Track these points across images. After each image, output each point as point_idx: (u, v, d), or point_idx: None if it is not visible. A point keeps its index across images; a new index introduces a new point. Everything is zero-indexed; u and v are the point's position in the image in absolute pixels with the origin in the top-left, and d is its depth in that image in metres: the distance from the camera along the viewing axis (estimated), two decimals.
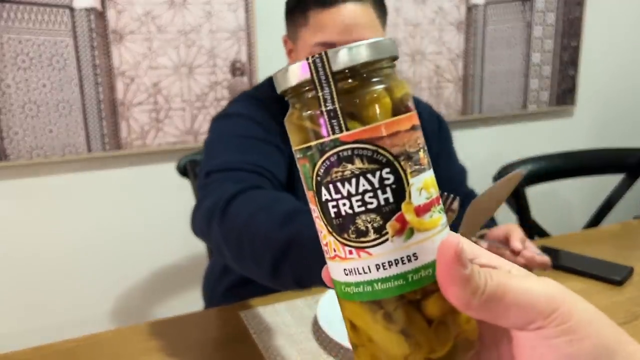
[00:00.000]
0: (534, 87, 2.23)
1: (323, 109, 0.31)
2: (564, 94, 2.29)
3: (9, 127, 1.53)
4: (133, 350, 0.88)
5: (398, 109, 0.31)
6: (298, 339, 0.89)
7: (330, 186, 0.31)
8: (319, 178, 0.32)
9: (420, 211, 0.31)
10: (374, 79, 0.31)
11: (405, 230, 0.31)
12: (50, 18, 1.52)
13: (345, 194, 0.31)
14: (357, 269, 0.32)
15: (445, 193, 0.68)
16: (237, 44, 1.73)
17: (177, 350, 0.88)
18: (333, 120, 0.31)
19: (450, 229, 0.33)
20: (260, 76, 1.76)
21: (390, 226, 0.31)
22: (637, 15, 2.39)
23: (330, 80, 0.31)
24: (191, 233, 0.96)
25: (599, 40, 2.32)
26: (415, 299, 0.31)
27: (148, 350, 0.88)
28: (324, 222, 0.32)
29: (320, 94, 0.31)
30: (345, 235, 0.31)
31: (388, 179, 0.31)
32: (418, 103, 1.23)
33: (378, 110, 0.31)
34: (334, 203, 0.31)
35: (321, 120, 0.31)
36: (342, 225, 0.31)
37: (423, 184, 0.32)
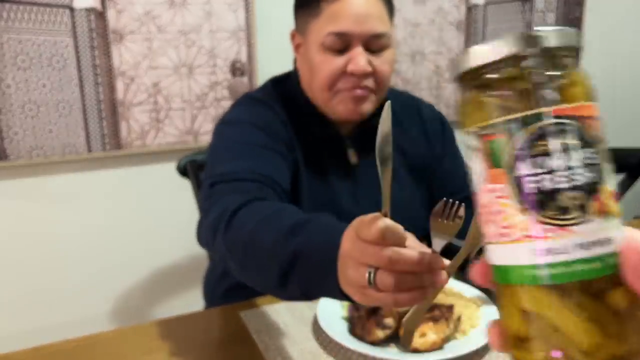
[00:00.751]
0: None
1: (535, 80, 0.31)
2: None
3: (9, 127, 1.54)
4: (133, 351, 0.88)
5: (594, 94, 0.33)
6: (298, 339, 0.89)
7: (532, 160, 0.31)
8: (519, 152, 0.31)
9: (614, 196, 0.32)
10: (577, 63, 0.33)
11: (604, 212, 0.31)
12: (50, 18, 1.52)
13: (548, 168, 0.31)
14: (556, 248, 0.31)
15: (451, 200, 0.68)
16: (237, 44, 1.73)
17: (177, 350, 0.88)
18: (543, 93, 0.31)
19: (458, 236, 0.34)
20: (260, 76, 1.77)
21: (592, 206, 0.31)
22: (637, 16, 2.39)
23: (544, 55, 0.32)
24: (191, 233, 0.96)
25: (598, 40, 2.32)
26: (603, 287, 0.31)
27: (148, 351, 0.88)
28: (516, 199, 0.32)
29: (532, 68, 0.32)
30: (546, 212, 0.31)
31: (592, 158, 0.31)
32: (421, 103, 1.22)
33: (584, 91, 0.32)
34: (535, 178, 0.31)
35: (529, 94, 0.31)
36: (542, 201, 0.31)
37: (611, 172, 0.32)
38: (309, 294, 0.68)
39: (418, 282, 0.53)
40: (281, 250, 0.67)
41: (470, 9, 2.03)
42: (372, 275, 0.53)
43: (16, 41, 1.50)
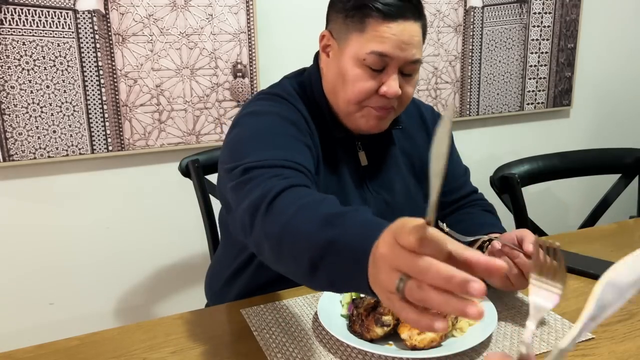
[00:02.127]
0: (531, 89, 2.25)
1: None
2: (561, 95, 2.31)
3: (12, 127, 1.55)
4: (136, 348, 0.89)
5: None
6: (299, 336, 0.91)
7: None
8: None
9: None
10: None
11: None
12: (54, 20, 1.53)
13: None
14: None
15: (440, 222, 0.70)
16: (238, 46, 1.74)
17: (178, 348, 0.89)
18: None
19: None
20: (262, 78, 1.78)
21: None
22: (633, 18, 2.41)
23: None
24: (193, 231, 0.97)
25: (595, 42, 2.34)
26: None
27: (150, 348, 0.89)
28: None
29: None
30: None
31: None
32: (422, 106, 1.25)
33: None
34: None
35: None
36: None
37: None
38: (337, 286, 0.68)
39: (444, 305, 0.49)
40: (315, 238, 0.67)
41: (468, 11, 2.05)
42: (402, 282, 0.51)
43: (20, 43, 1.52)
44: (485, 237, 0.97)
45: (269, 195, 0.77)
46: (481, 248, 1.01)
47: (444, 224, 0.96)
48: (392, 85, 0.97)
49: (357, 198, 1.08)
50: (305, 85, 1.09)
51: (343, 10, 0.99)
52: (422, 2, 1.00)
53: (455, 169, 1.26)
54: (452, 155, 1.26)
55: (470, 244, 1.00)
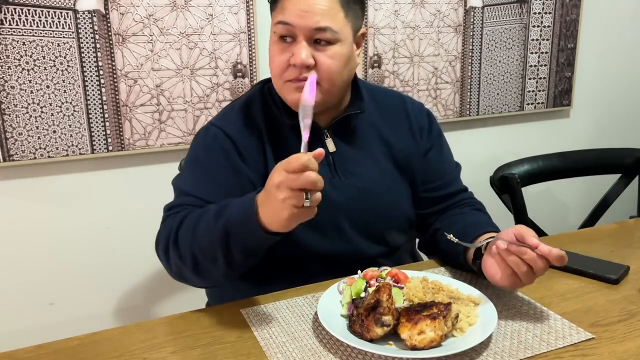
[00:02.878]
0: (531, 89, 2.25)
1: None
2: (561, 95, 2.31)
3: (13, 127, 1.55)
4: (136, 348, 0.89)
5: None
6: (299, 336, 0.91)
7: None
8: None
9: None
10: None
11: None
12: (54, 20, 1.54)
13: None
14: None
15: (446, 234, 0.98)
16: (238, 46, 1.74)
17: (178, 348, 0.89)
18: None
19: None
20: (261, 78, 1.78)
21: None
22: (633, 18, 2.41)
23: None
24: None
25: (595, 42, 2.34)
26: None
27: (150, 348, 0.89)
28: None
29: None
30: None
31: None
32: (408, 100, 1.26)
33: None
34: None
35: None
36: None
37: None
38: (251, 252, 0.92)
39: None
40: (215, 234, 0.90)
41: (468, 11, 2.05)
42: (309, 195, 0.80)
43: (20, 43, 1.52)
44: (490, 240, 0.98)
45: (172, 233, 0.97)
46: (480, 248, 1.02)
47: (451, 235, 0.97)
48: (297, 52, 1.00)
49: (326, 184, 1.09)
50: (271, 87, 1.14)
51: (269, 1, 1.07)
52: None
53: (445, 165, 1.26)
54: (443, 150, 1.27)
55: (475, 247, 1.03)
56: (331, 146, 1.13)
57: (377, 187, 1.14)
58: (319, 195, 0.82)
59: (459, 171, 1.29)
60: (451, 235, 0.97)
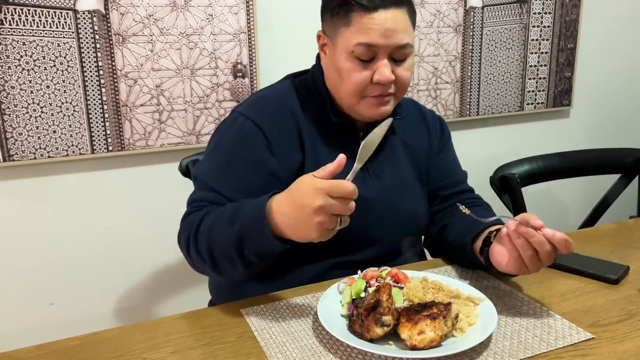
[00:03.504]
0: (531, 89, 2.25)
1: None
2: (561, 95, 2.31)
3: (12, 127, 1.55)
4: (136, 348, 0.89)
5: None
6: (299, 336, 0.91)
7: None
8: None
9: None
10: None
11: None
12: (54, 20, 1.54)
13: None
14: None
15: (458, 204, 1.01)
16: (238, 46, 1.75)
17: (178, 348, 0.89)
18: None
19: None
20: (262, 78, 1.78)
21: None
22: (633, 18, 2.41)
23: None
24: None
25: (595, 42, 2.34)
26: None
27: (151, 348, 0.89)
28: None
29: None
30: None
31: None
32: (423, 107, 1.30)
33: None
34: None
35: None
36: None
37: None
38: (264, 256, 0.94)
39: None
40: (229, 238, 0.93)
41: (468, 11, 2.05)
42: (341, 220, 0.85)
43: (20, 43, 1.52)
44: (500, 221, 1.01)
45: (192, 231, 0.99)
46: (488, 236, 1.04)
47: (463, 206, 0.98)
48: (383, 71, 1.02)
49: (357, 178, 1.11)
50: (307, 81, 1.16)
51: (329, 9, 1.05)
52: None
53: (454, 166, 1.30)
54: (453, 153, 1.30)
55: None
56: None
57: (395, 186, 1.17)
58: (348, 219, 0.86)
59: (466, 176, 1.32)
60: (463, 207, 0.98)
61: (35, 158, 1.59)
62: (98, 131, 1.64)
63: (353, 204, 0.84)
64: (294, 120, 1.10)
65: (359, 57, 1.02)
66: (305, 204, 0.83)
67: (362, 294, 0.94)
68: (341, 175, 0.85)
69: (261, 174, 1.06)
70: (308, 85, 1.15)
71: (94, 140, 1.64)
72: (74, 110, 1.61)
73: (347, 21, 1.01)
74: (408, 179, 1.20)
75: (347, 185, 0.82)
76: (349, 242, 1.09)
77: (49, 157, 1.61)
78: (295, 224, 0.86)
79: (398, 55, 1.03)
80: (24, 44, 1.52)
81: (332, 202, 0.82)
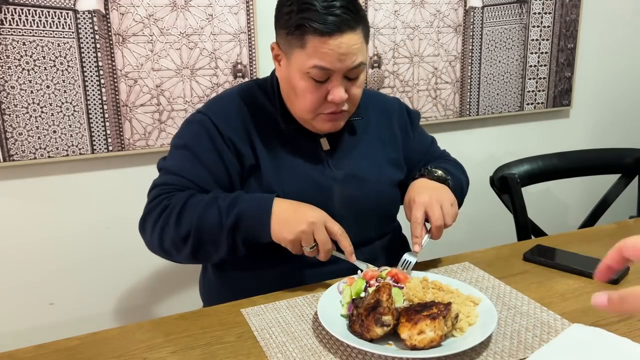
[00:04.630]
0: (531, 89, 2.25)
1: None
2: (561, 95, 2.32)
3: (12, 127, 1.55)
4: (136, 348, 0.89)
5: None
6: (299, 336, 0.91)
7: None
8: None
9: None
10: None
11: None
12: (54, 20, 1.54)
13: None
14: None
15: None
16: (238, 46, 1.75)
17: (178, 348, 0.89)
18: None
19: None
20: (262, 77, 1.78)
21: None
22: (633, 18, 2.41)
23: None
24: None
25: (595, 42, 2.34)
26: None
27: (150, 348, 0.89)
28: None
29: None
30: None
31: None
32: (387, 100, 1.32)
33: None
34: None
35: None
36: None
37: None
38: (250, 242, 1.03)
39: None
40: (226, 220, 1.00)
41: (468, 11, 2.05)
42: (313, 246, 1.00)
43: (20, 43, 1.52)
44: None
45: (173, 213, 1.04)
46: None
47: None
48: (337, 92, 1.05)
49: (318, 174, 1.16)
50: (267, 85, 1.19)
51: (285, 27, 1.05)
52: (358, 6, 1.03)
53: (425, 144, 1.35)
54: (421, 133, 1.35)
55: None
56: (325, 145, 1.18)
57: (365, 173, 1.19)
58: (316, 252, 1.02)
59: (436, 143, 1.38)
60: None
61: (35, 158, 1.59)
62: (98, 131, 1.64)
63: (330, 252, 1.01)
64: (242, 119, 1.14)
65: (313, 77, 1.04)
66: (305, 212, 1.01)
67: (362, 294, 0.94)
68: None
69: (221, 161, 1.12)
70: (266, 89, 1.19)
71: (94, 140, 1.64)
72: (74, 110, 1.61)
73: (302, 43, 1.02)
74: (374, 161, 1.22)
75: (343, 231, 1.02)
76: None
77: (49, 157, 1.61)
78: (285, 221, 1.00)
79: (351, 74, 1.05)
80: (24, 44, 1.52)
81: (321, 230, 0.99)
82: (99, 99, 1.63)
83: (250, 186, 1.13)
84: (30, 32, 1.52)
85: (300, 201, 1.06)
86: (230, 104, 1.17)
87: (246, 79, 1.77)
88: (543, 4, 2.17)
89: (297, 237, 0.99)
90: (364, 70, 1.09)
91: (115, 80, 1.63)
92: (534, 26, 2.18)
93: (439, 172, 1.18)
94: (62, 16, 1.54)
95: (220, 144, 1.12)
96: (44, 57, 1.55)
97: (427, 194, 1.11)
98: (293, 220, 0.99)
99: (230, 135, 1.13)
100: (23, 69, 1.53)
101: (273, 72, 1.19)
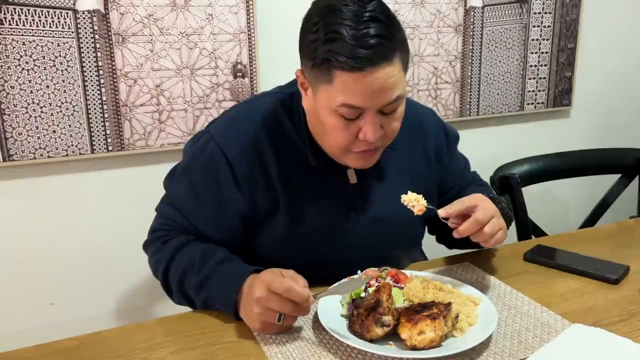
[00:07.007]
0: (531, 89, 2.25)
1: None
2: (561, 95, 2.31)
3: (12, 127, 1.55)
4: (136, 348, 0.89)
5: None
6: (299, 336, 0.91)
7: None
8: None
9: None
10: None
11: None
12: (54, 20, 1.53)
13: None
14: None
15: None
16: (238, 46, 1.74)
17: (178, 348, 0.89)
18: None
19: None
20: (262, 78, 1.78)
21: None
22: (633, 18, 2.41)
23: None
24: None
25: (595, 42, 2.34)
26: None
27: (150, 348, 0.89)
28: None
29: None
30: None
31: None
32: (422, 115, 1.20)
33: None
34: None
35: None
36: None
37: None
38: (209, 306, 1.01)
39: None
40: (196, 296, 1.01)
41: (468, 11, 2.05)
42: (282, 317, 0.88)
43: (20, 43, 1.52)
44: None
45: (163, 262, 1.07)
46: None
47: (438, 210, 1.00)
48: (370, 131, 0.92)
49: (340, 217, 1.08)
50: (292, 110, 1.06)
51: (310, 58, 0.91)
52: (394, 30, 0.91)
53: (460, 168, 1.28)
54: (457, 156, 1.28)
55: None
56: (352, 177, 1.08)
57: (391, 212, 1.08)
58: (291, 319, 0.91)
59: (469, 165, 1.31)
60: (438, 211, 0.99)
61: (35, 158, 1.59)
62: (98, 131, 1.64)
63: (302, 307, 0.88)
64: (263, 154, 1.03)
65: (343, 115, 0.91)
66: (250, 292, 0.90)
67: (362, 294, 0.94)
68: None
69: (226, 212, 1.05)
70: (292, 114, 1.06)
71: (94, 140, 1.64)
72: (74, 110, 1.61)
73: (329, 78, 0.88)
74: (401, 207, 1.04)
75: (283, 281, 0.87)
76: (330, 271, 1.03)
77: (49, 157, 1.61)
78: (244, 309, 0.93)
79: (388, 109, 0.93)
80: (23, 44, 1.52)
81: (270, 297, 0.87)
82: (99, 99, 1.62)
83: (261, 229, 1.07)
84: (30, 32, 1.52)
85: (315, 244, 1.05)
86: (251, 133, 1.04)
87: (246, 79, 1.77)
88: (543, 3, 2.17)
89: (261, 323, 0.89)
90: (403, 102, 0.96)
91: (115, 80, 1.63)
92: (534, 26, 2.18)
93: (504, 204, 1.09)
94: (61, 16, 1.54)
95: (227, 190, 1.04)
96: (43, 57, 1.55)
97: (494, 210, 1.02)
98: (247, 309, 0.91)
99: (245, 173, 1.03)
100: (23, 68, 1.53)
101: (294, 87, 1.06)
